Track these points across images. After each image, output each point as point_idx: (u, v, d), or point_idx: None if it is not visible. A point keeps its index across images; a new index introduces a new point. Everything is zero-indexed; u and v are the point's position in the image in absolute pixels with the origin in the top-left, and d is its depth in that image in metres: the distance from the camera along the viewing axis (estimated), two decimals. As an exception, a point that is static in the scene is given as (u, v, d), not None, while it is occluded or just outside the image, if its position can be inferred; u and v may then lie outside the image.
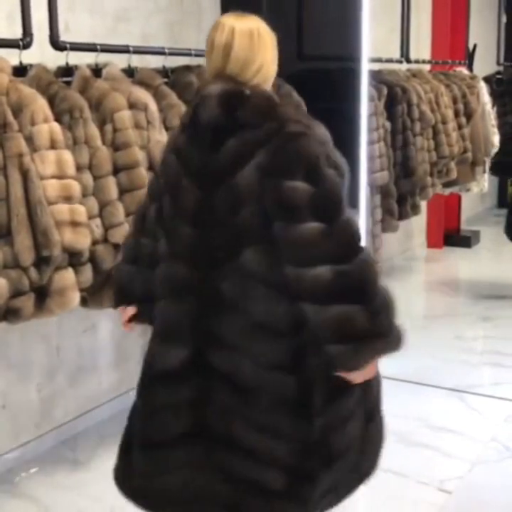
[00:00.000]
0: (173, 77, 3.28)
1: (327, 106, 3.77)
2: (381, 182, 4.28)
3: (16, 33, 2.71)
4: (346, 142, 3.84)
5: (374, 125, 4.11)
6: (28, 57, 2.71)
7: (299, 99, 3.57)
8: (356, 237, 1.67)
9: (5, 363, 3.05)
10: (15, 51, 2.65)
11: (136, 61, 3.15)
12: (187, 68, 3.33)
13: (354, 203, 3.83)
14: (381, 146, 4.24)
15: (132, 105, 2.85)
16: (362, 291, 1.64)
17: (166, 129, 3.04)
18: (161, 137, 2.89)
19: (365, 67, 3.78)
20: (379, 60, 4.67)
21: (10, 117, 2.44)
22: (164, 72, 3.26)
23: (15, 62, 2.65)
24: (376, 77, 4.38)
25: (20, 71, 2.65)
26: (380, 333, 1.65)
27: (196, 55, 3.37)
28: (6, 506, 2.83)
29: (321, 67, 3.90)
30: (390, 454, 3.12)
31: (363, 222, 3.88)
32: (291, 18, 3.87)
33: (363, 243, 1.68)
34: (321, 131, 1.75)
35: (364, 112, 3.79)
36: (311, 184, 1.64)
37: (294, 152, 1.66)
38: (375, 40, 4.05)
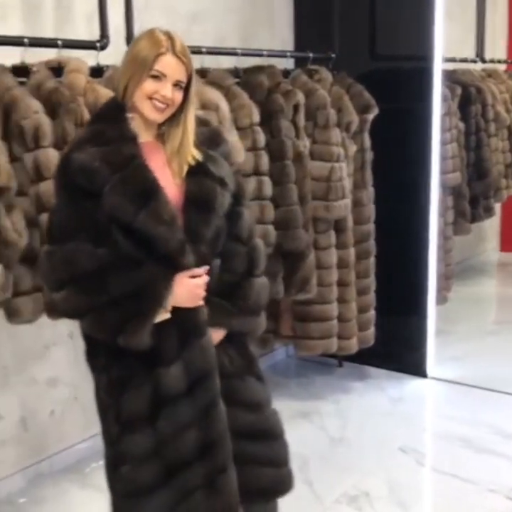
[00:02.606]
0: (245, 77, 3.30)
1: (400, 106, 3.75)
2: (453, 183, 4.22)
3: (93, 34, 2.78)
4: (419, 142, 3.82)
5: (447, 125, 4.05)
6: (105, 58, 2.77)
7: (370, 98, 3.55)
8: None
9: (77, 356, 3.12)
10: (92, 52, 2.73)
11: (209, 62, 3.19)
12: (258, 68, 3.35)
13: (426, 204, 3.79)
14: (454, 147, 4.18)
15: (204, 106, 2.88)
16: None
17: (237, 128, 3.07)
18: (231, 137, 2.91)
19: (439, 67, 3.73)
20: (453, 60, 4.59)
21: (87, 117, 2.51)
22: (236, 72, 3.29)
23: (92, 63, 2.72)
24: (450, 77, 4.31)
25: (97, 72, 2.71)
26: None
27: (268, 56, 3.39)
28: (76, 496, 2.92)
29: (394, 66, 3.86)
30: (458, 460, 3.09)
31: (434, 223, 3.82)
32: (364, 18, 3.85)
33: None
34: None
35: (437, 112, 3.73)
36: None
37: None
38: (449, 40, 3.97)
